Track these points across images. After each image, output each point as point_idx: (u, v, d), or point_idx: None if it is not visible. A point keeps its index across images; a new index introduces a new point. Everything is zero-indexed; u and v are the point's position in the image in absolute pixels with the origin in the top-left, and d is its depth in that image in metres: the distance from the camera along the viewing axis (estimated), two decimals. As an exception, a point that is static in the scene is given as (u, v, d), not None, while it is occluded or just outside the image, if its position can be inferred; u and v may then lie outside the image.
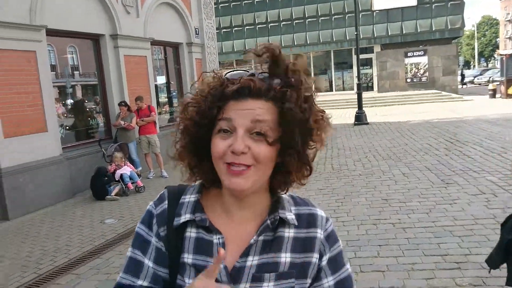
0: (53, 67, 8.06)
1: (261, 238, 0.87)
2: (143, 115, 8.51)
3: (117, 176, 7.30)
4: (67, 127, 8.27)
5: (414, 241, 4.28)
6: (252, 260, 0.86)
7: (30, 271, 4.46)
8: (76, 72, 9.38)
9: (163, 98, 11.80)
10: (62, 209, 6.78)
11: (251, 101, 0.81)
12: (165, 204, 0.94)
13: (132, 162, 8.08)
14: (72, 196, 7.40)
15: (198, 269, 0.85)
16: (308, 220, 0.92)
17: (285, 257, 0.87)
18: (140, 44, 9.45)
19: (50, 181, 6.95)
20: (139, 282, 0.91)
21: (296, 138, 0.82)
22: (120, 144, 7.96)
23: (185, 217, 0.89)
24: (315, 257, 0.90)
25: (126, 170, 7.47)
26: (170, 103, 11.98)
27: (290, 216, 0.90)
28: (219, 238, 0.87)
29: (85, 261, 4.61)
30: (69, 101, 9.05)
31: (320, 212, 0.94)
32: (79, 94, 9.39)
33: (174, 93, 12.07)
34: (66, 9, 7.57)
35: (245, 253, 0.86)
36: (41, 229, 5.86)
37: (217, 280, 0.79)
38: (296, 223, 0.90)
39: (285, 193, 0.93)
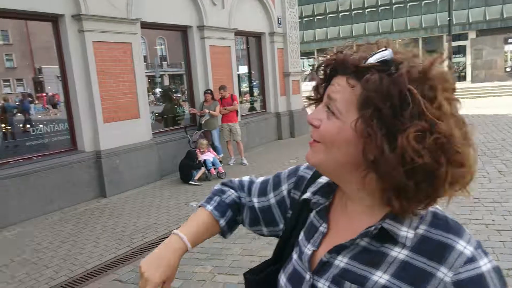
0: (144, 58, 8.65)
1: (362, 243, 0.76)
2: (226, 104, 8.80)
3: (200, 160, 7.67)
4: (157, 114, 8.85)
5: (510, 245, 3.93)
6: (341, 261, 0.77)
7: (124, 244, 4.90)
8: (164, 63, 9.98)
9: (244, 87, 12.07)
10: (152, 190, 7.30)
11: (339, 77, 0.75)
12: (308, 174, 0.96)
13: (214, 148, 8.42)
14: (160, 178, 7.93)
15: (298, 250, 0.88)
16: (435, 249, 0.70)
17: (380, 277, 0.72)
18: (224, 35, 9.73)
19: (142, 163, 7.52)
20: (254, 200, 1.03)
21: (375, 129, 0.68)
22: (204, 131, 8.33)
23: (306, 195, 0.90)
24: None
25: (209, 156, 7.82)
26: (251, 92, 12.23)
27: (403, 232, 0.72)
28: (323, 226, 0.84)
29: (171, 239, 4.93)
30: (158, 90, 9.66)
31: (463, 247, 0.69)
32: (166, 83, 9.98)
33: (254, 83, 12.30)
34: (158, 2, 8.05)
35: (335, 250, 0.78)
36: (134, 207, 6.38)
37: (295, 268, 0.83)
38: (408, 243, 0.72)
39: (425, 206, 0.73)
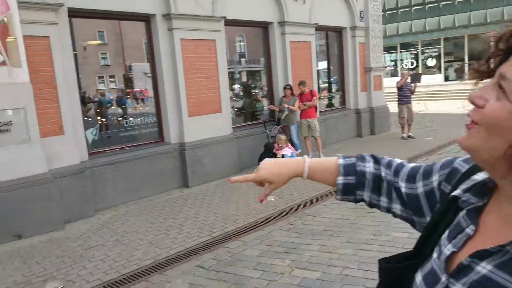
0: (225, 54, 8.91)
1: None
2: (305, 100, 8.76)
3: (279, 157, 7.73)
4: (236, 109, 9.08)
5: None
6: (483, 267, 0.68)
7: (205, 233, 5.11)
8: (242, 59, 10.20)
9: (323, 83, 11.91)
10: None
11: None
12: (464, 168, 0.87)
13: (292, 144, 8.44)
14: (239, 172, 8.14)
15: (438, 249, 0.79)
16: None
17: None
18: (305, 30, 9.67)
19: (222, 156, 7.78)
20: (402, 183, 0.99)
21: None
22: (283, 127, 8.38)
23: (456, 192, 0.81)
24: None
25: (287, 151, 7.86)
26: (329, 88, 12.03)
27: None
28: (471, 228, 0.75)
29: (249, 231, 5.05)
30: (237, 86, 9.91)
31: None
32: (244, 79, 10.20)
33: (333, 79, 12.08)
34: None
35: (479, 255, 0.69)
36: (214, 198, 6.62)
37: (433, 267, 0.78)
38: None
39: None
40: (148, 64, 7.24)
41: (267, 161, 1.12)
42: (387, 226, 4.80)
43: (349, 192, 1.07)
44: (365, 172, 1.05)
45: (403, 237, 4.43)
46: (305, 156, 1.11)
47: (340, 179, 1.05)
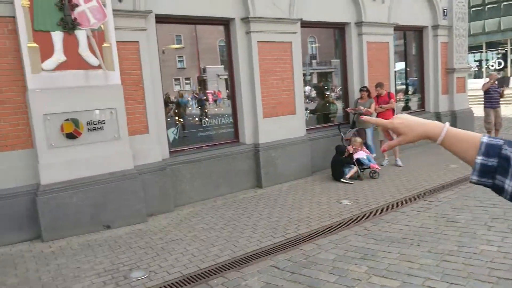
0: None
1: None
2: (382, 102, 8.48)
3: (353, 160, 7.56)
4: (309, 111, 9.03)
5: None
6: None
7: (279, 234, 5.15)
8: (313, 61, 10.10)
9: (400, 85, 11.43)
10: (304, 185, 7.50)
11: None
12: None
13: (367, 147, 8.20)
14: (311, 174, 8.09)
15: None
16: None
17: None
18: (383, 30, 9.36)
19: (295, 158, 7.79)
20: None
21: None
22: (359, 130, 8.18)
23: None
24: None
25: (362, 154, 7.66)
26: (406, 90, 11.51)
27: None
28: None
29: (324, 234, 5.00)
30: (309, 88, 9.83)
31: None
32: (317, 81, 10.09)
33: (410, 80, 11.54)
34: (318, 1, 8.17)
35: None
36: (287, 199, 6.65)
37: None
38: None
39: None
40: (222, 66, 7.49)
41: (404, 114, 1.08)
42: (473, 238, 4.49)
43: (487, 175, 0.94)
44: (511, 158, 0.90)
45: (492, 250, 4.11)
46: (446, 123, 1.01)
47: (479, 158, 0.93)
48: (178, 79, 7.92)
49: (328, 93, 9.93)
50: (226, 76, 7.72)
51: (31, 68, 5.05)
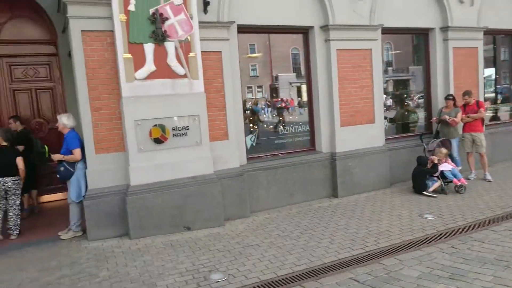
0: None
1: None
2: (470, 111, 7.93)
3: (438, 172, 7.13)
4: (388, 120, 8.70)
5: None
6: None
7: (357, 246, 5.00)
8: (389, 68, 9.69)
9: (488, 93, 10.59)
10: (382, 196, 7.23)
11: None
12: None
13: (452, 159, 7.70)
14: (389, 186, 7.77)
15: None
16: None
17: None
18: (472, 35, 8.77)
19: (373, 168, 7.54)
20: None
21: None
22: (443, 140, 7.72)
23: None
24: None
25: (447, 167, 7.20)
26: (495, 99, 10.63)
27: None
28: None
29: (406, 250, 4.76)
30: (384, 96, 9.43)
31: None
32: (393, 88, 9.66)
33: (500, 87, 10.64)
34: (401, 6, 7.89)
35: None
36: (364, 210, 6.45)
37: None
38: None
39: None
40: (294, 74, 7.49)
41: None
42: None
43: None
44: None
45: None
46: None
47: None
48: (251, 87, 8.07)
49: (408, 101, 9.49)
50: (298, 84, 7.73)
51: (126, 77, 5.47)
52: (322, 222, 6.03)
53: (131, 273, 4.57)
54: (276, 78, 8.03)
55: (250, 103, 7.48)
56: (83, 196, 5.66)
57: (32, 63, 7.62)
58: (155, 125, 5.69)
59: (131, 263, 4.85)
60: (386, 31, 7.87)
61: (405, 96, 9.74)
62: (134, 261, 4.91)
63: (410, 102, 9.39)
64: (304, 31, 7.23)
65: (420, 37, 8.83)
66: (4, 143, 5.99)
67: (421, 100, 9.60)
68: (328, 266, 4.48)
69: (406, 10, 7.97)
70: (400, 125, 8.97)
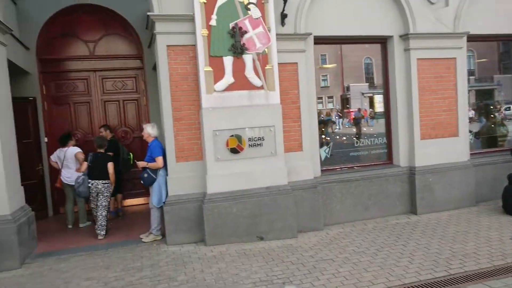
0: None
1: None
2: None
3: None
4: (474, 133, 8.11)
5: None
6: None
7: (441, 268, 4.69)
8: (471, 77, 9.01)
9: None
10: (466, 215, 6.73)
11: None
12: None
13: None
14: (475, 204, 7.22)
15: None
16: None
17: None
18: None
19: (456, 185, 7.06)
20: None
21: None
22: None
23: None
24: None
25: (543, 186, 6.53)
26: None
27: None
28: None
29: (496, 276, 4.38)
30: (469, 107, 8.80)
31: None
32: (475, 99, 8.97)
33: None
34: (487, 12, 7.36)
35: None
36: (447, 230, 6.04)
37: None
38: None
39: None
40: (367, 84, 7.27)
41: None
42: None
43: None
44: None
45: None
46: None
47: None
48: (321, 98, 7.98)
49: (496, 113, 8.78)
50: (370, 94, 7.49)
51: (206, 89, 5.69)
52: (400, 239, 5.75)
53: (207, 279, 4.70)
54: (348, 88, 7.88)
55: (322, 114, 7.40)
56: (164, 202, 5.95)
57: (121, 76, 8.29)
58: (232, 136, 5.84)
59: (207, 269, 4.99)
60: (470, 38, 7.37)
61: (491, 107, 9.04)
62: (210, 267, 5.04)
63: (496, 114, 8.70)
64: (382, 41, 7.02)
65: (508, 44, 8.18)
66: (100, 150, 6.53)
67: (508, 112, 8.85)
68: (408, 287, 4.25)
69: (494, 16, 7.40)
70: (486, 139, 8.33)
